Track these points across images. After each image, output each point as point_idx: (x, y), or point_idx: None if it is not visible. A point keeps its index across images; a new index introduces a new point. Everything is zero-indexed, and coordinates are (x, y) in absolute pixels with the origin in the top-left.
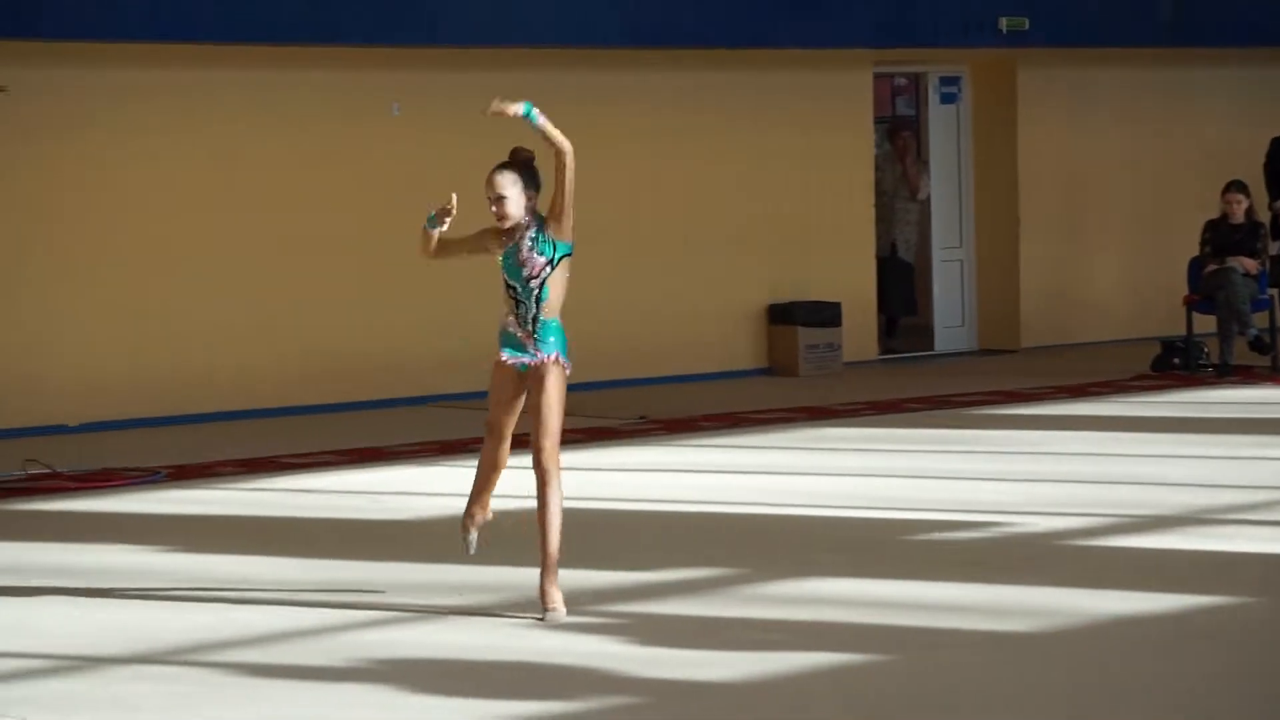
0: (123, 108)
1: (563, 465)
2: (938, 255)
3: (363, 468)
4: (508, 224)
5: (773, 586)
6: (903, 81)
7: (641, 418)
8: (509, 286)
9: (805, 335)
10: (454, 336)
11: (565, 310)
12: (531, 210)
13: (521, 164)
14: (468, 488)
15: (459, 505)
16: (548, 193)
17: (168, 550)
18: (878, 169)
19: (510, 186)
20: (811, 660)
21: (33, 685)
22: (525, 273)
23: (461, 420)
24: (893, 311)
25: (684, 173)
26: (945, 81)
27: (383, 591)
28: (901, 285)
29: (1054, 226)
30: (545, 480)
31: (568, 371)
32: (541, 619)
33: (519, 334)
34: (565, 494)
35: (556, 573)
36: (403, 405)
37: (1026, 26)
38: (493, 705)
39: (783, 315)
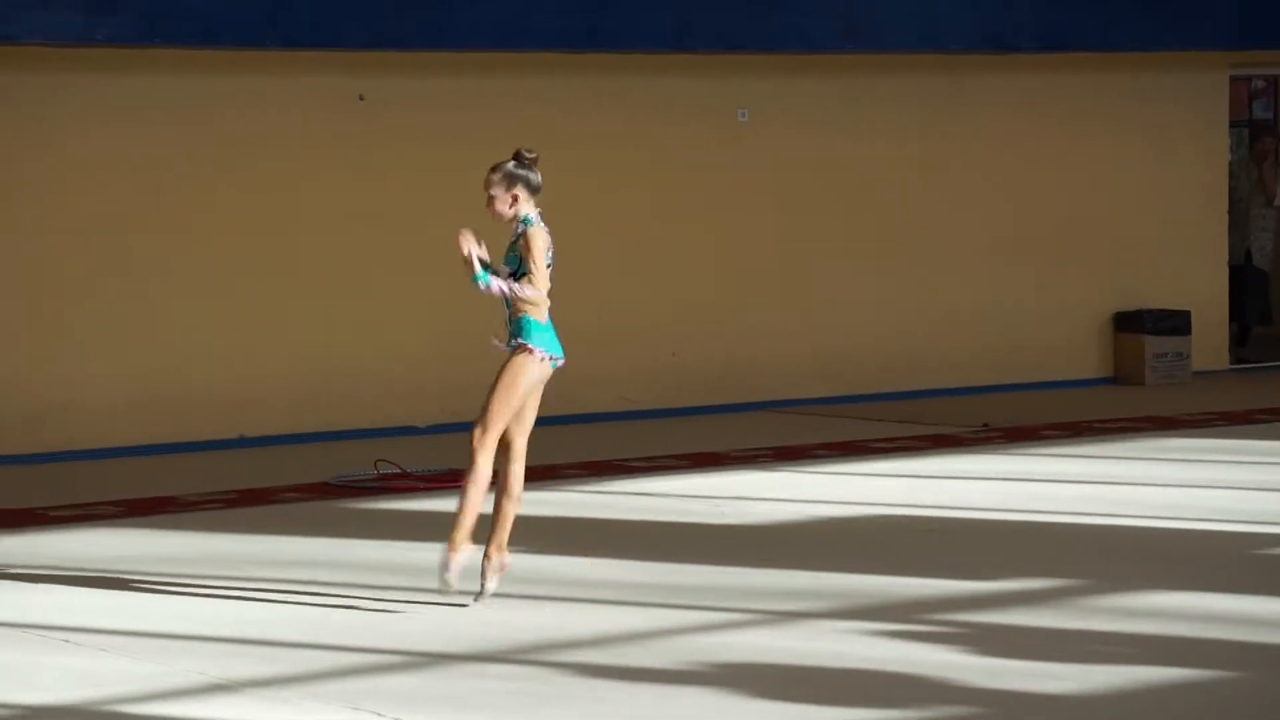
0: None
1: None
2: None
3: (703, 472)
4: (501, 220)
5: (1115, 599)
6: (1261, 84)
7: (984, 426)
8: None
9: (1153, 344)
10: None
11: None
12: (517, 213)
13: (510, 163)
14: (806, 493)
15: (797, 511)
16: (545, 194)
17: (511, 551)
18: (1232, 174)
19: (495, 186)
20: (1153, 675)
21: (380, 680)
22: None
23: (804, 425)
24: (1246, 320)
25: (1032, 177)
26: None
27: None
28: (1256, 293)
29: None
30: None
31: (538, 357)
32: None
33: (507, 328)
34: (899, 500)
35: (491, 552)
36: (744, 410)
37: None
38: (827, 712)
39: (1130, 323)
